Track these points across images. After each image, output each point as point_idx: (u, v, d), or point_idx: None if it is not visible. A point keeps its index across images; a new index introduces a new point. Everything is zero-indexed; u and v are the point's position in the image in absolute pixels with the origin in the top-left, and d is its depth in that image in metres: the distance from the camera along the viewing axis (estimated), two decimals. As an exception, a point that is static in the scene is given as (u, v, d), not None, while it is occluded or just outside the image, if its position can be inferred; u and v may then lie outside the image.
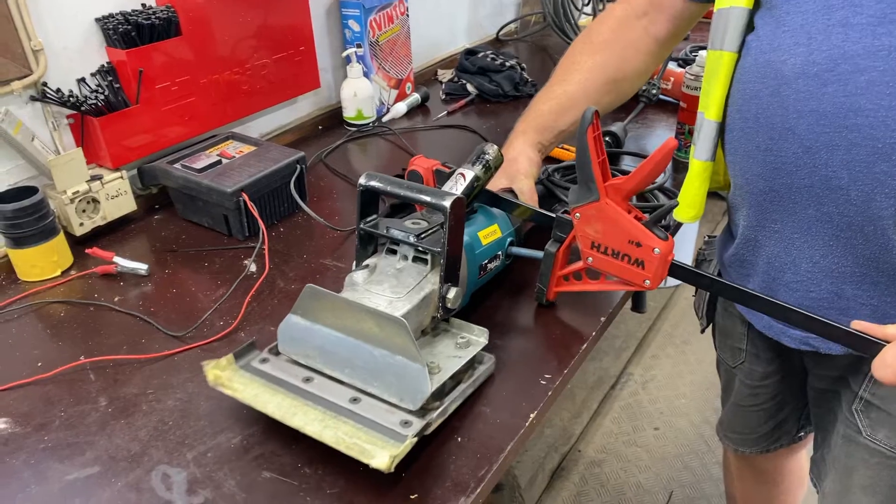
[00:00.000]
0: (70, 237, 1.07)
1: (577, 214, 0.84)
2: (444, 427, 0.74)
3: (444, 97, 1.68)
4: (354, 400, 0.72)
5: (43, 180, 1.06)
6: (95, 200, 1.09)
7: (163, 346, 0.88)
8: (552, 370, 0.82)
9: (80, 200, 1.07)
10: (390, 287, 0.78)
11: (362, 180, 0.80)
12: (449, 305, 0.79)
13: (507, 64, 1.68)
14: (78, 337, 0.90)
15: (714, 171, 0.90)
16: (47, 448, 0.73)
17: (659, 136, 1.44)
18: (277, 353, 0.79)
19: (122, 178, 1.11)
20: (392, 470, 0.62)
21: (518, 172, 1.01)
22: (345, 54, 1.45)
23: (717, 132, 0.86)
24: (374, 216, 0.83)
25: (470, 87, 1.67)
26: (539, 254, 0.90)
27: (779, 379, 1.04)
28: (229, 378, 0.74)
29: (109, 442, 0.74)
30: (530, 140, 1.05)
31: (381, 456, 0.63)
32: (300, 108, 1.49)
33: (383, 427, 0.68)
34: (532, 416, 0.75)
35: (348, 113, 1.49)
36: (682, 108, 1.30)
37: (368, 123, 1.51)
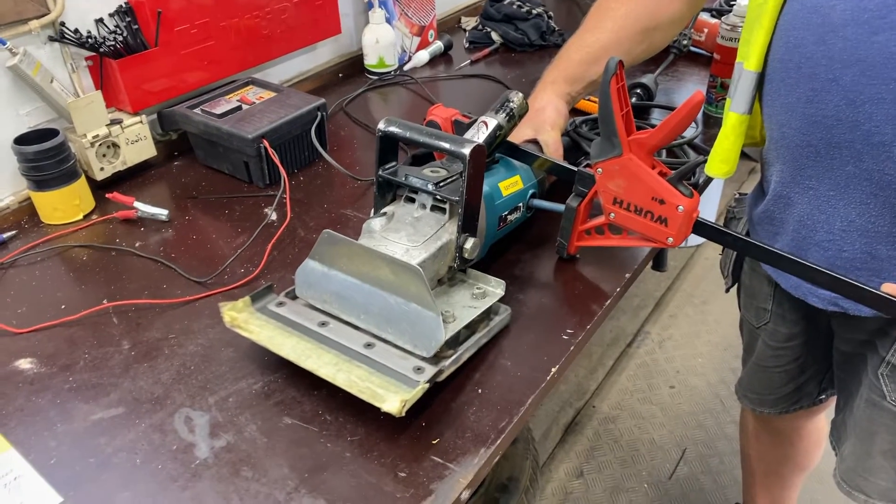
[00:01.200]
0: (91, 182, 1.06)
1: (600, 169, 0.82)
2: (465, 379, 0.74)
3: (467, 45, 1.64)
4: (368, 345, 0.72)
5: (63, 123, 1.05)
6: (115, 145, 1.08)
7: (184, 292, 0.88)
8: (574, 325, 0.81)
9: (100, 145, 1.06)
10: (407, 235, 0.77)
11: (381, 126, 0.78)
12: (466, 256, 0.78)
13: (534, 12, 1.62)
14: (101, 281, 0.91)
15: (749, 126, 0.86)
16: (72, 388, 0.74)
17: (689, 89, 1.39)
18: (295, 298, 0.79)
19: (141, 122, 1.10)
20: (402, 414, 0.62)
21: (544, 123, 0.98)
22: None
23: (756, 83, 0.82)
24: (394, 163, 0.82)
25: (494, 36, 1.62)
26: (560, 207, 0.89)
27: (803, 341, 1.03)
28: (245, 320, 0.75)
29: (133, 384, 0.75)
30: (559, 90, 1.02)
31: (392, 400, 0.63)
32: (320, 56, 1.46)
33: (396, 372, 0.68)
34: (553, 370, 0.75)
35: (370, 60, 1.46)
36: (715, 61, 1.25)
37: (390, 72, 1.47)
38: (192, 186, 1.11)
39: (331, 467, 0.65)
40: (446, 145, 0.74)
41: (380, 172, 0.81)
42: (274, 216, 1.02)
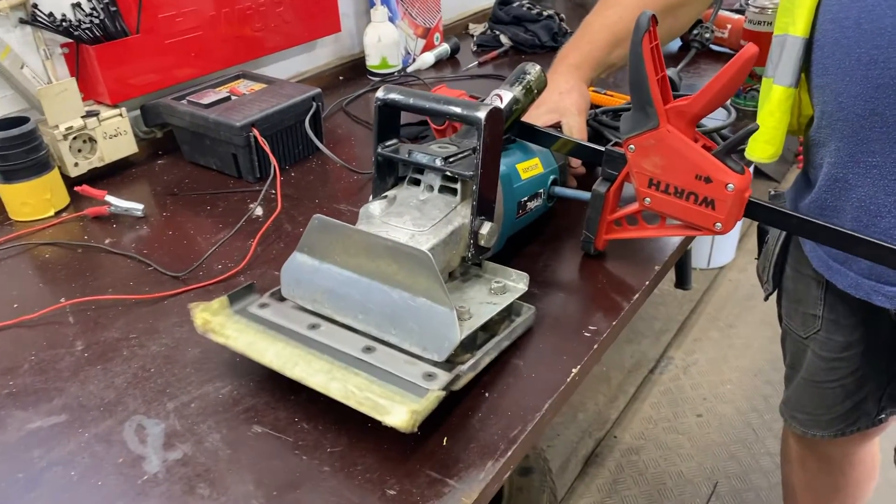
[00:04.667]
0: (66, 180, 0.97)
1: (632, 146, 0.71)
2: (470, 381, 0.62)
3: (475, 49, 1.56)
4: (368, 349, 0.61)
5: (36, 115, 0.97)
6: (92, 139, 1.00)
7: (153, 289, 0.77)
8: (598, 322, 0.69)
9: (74, 138, 0.97)
10: (412, 219, 0.66)
11: (380, 93, 0.68)
12: (482, 243, 0.67)
13: (545, 13, 1.54)
14: (61, 279, 0.81)
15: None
16: (11, 394, 0.64)
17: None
18: (282, 300, 0.68)
19: (121, 116, 1.01)
20: (414, 429, 0.51)
21: (570, 107, 0.89)
22: (368, -5, 1.34)
23: (803, 51, 0.72)
24: (395, 140, 0.71)
25: (504, 39, 1.54)
26: (586, 195, 0.78)
27: (861, 350, 0.90)
28: (221, 324, 0.63)
29: (81, 389, 0.64)
30: (584, 75, 0.93)
31: (399, 412, 0.52)
32: (319, 56, 1.38)
33: (402, 380, 0.57)
34: (574, 370, 0.63)
35: (371, 61, 1.38)
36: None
37: (393, 73, 1.39)
38: (174, 184, 1.02)
39: (305, 483, 0.53)
40: (457, 109, 0.64)
41: (379, 150, 0.70)
42: (260, 211, 0.92)
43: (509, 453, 0.55)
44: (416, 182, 0.70)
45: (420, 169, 0.70)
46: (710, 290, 2.40)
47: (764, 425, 1.86)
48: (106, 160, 1.02)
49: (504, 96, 0.75)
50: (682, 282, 1.96)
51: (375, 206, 0.68)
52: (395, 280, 0.61)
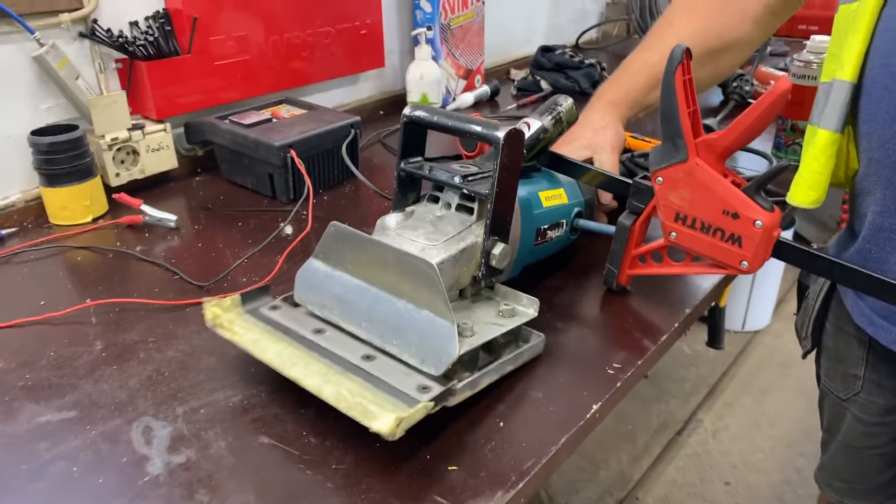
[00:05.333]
0: (107, 189, 1.00)
1: (660, 179, 0.70)
2: (486, 409, 0.60)
3: (514, 93, 1.58)
4: (368, 357, 0.60)
5: (85, 125, 1.00)
6: (136, 152, 1.02)
7: (177, 297, 0.78)
8: (622, 360, 0.67)
9: (118, 149, 1.00)
10: (425, 233, 0.66)
11: (406, 110, 0.69)
12: (493, 264, 0.66)
13: (587, 62, 1.56)
14: (89, 281, 0.82)
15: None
16: (26, 386, 0.64)
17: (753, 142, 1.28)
18: (294, 305, 0.68)
19: (165, 131, 1.04)
20: (396, 436, 0.49)
21: (605, 143, 0.88)
22: (414, 33, 1.37)
23: (850, 96, 0.71)
24: (419, 158, 0.72)
25: (544, 84, 1.56)
26: (611, 228, 0.76)
27: (904, 415, 0.85)
28: (230, 320, 0.64)
29: (95, 387, 0.64)
30: (620, 114, 0.93)
31: (385, 418, 0.50)
32: (361, 90, 1.41)
33: (396, 390, 0.56)
34: (595, 407, 0.60)
35: (412, 97, 1.40)
36: (787, 102, 1.14)
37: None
38: (209, 200, 1.04)
39: (306, 498, 0.52)
40: (478, 128, 0.64)
41: (402, 166, 0.71)
42: (290, 230, 0.93)
43: (520, 485, 0.52)
44: (435, 200, 0.70)
45: (440, 187, 0.70)
46: (743, 353, 2.32)
47: (797, 500, 1.76)
48: (147, 172, 1.04)
49: (532, 124, 0.75)
50: (715, 340, 1.91)
51: (392, 219, 0.68)
52: (401, 290, 0.60)
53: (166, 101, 1.04)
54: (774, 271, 2.28)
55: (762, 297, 2.32)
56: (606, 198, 0.90)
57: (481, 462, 0.55)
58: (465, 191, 0.67)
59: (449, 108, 1.46)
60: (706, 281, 0.81)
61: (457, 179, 0.67)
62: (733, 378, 2.21)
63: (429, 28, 1.39)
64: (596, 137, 0.89)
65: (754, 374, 2.23)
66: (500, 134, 0.62)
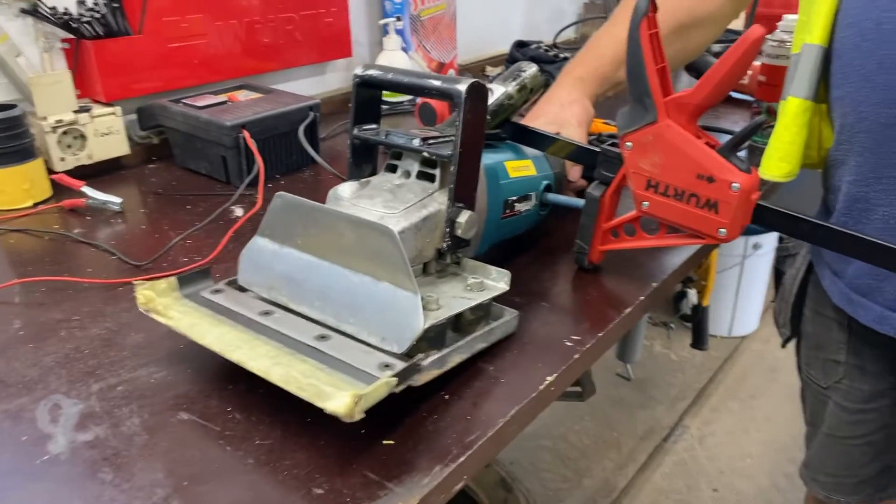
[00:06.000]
0: (53, 176, 0.95)
1: (629, 144, 0.66)
2: (428, 382, 0.55)
3: (489, 87, 1.54)
4: (322, 338, 0.54)
5: (28, 108, 0.95)
6: (83, 136, 0.98)
7: (111, 276, 0.73)
8: (583, 332, 0.62)
9: (63, 132, 0.95)
10: (383, 202, 0.60)
11: (358, 70, 0.64)
12: (459, 233, 0.61)
13: (562, 56, 1.53)
14: (18, 262, 0.77)
15: (805, 144, 0.70)
16: (-73, 365, 0.58)
17: (726, 135, 1.25)
18: (240, 289, 0.63)
19: (115, 115, 0.99)
20: (354, 417, 0.43)
21: (571, 118, 0.84)
22: (382, 22, 1.33)
23: (821, 60, 0.67)
24: (374, 126, 0.67)
25: (519, 78, 1.52)
26: (580, 202, 0.72)
27: (892, 401, 0.80)
28: (166, 305, 0.58)
29: (6, 365, 0.58)
30: (588, 90, 0.89)
31: (341, 397, 0.44)
32: (329, 81, 1.38)
33: (354, 369, 0.50)
34: (549, 379, 0.55)
35: (382, 89, 1.36)
36: (760, 84, 1.11)
37: (404, 101, 1.37)
38: (160, 185, 0.99)
39: (222, 476, 0.46)
40: (437, 83, 0.60)
41: (355, 133, 0.66)
42: (240, 211, 0.88)
43: (461, 459, 0.47)
44: (393, 169, 0.65)
45: (397, 155, 0.65)
46: (730, 359, 2.27)
47: (786, 505, 1.71)
48: (95, 158, 0.99)
49: (495, 90, 0.71)
50: (699, 341, 1.85)
51: (345, 188, 0.63)
52: (357, 263, 0.55)
53: (115, 82, 1.00)
54: (761, 274, 2.24)
55: (749, 301, 2.28)
56: (575, 174, 0.85)
57: (421, 435, 0.50)
58: (426, 154, 0.62)
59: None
60: (679, 255, 0.76)
61: (416, 142, 0.62)
62: (720, 384, 2.16)
63: (398, 18, 1.36)
64: (563, 112, 0.85)
65: (742, 379, 2.18)
66: (462, 87, 0.57)
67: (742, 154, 0.62)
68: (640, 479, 1.80)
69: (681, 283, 2.03)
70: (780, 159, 0.71)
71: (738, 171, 0.61)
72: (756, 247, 2.15)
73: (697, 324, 1.66)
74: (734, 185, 0.60)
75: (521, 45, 1.60)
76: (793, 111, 0.70)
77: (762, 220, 0.63)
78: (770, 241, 2.18)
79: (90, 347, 0.61)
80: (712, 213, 0.62)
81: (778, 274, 0.99)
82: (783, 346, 0.98)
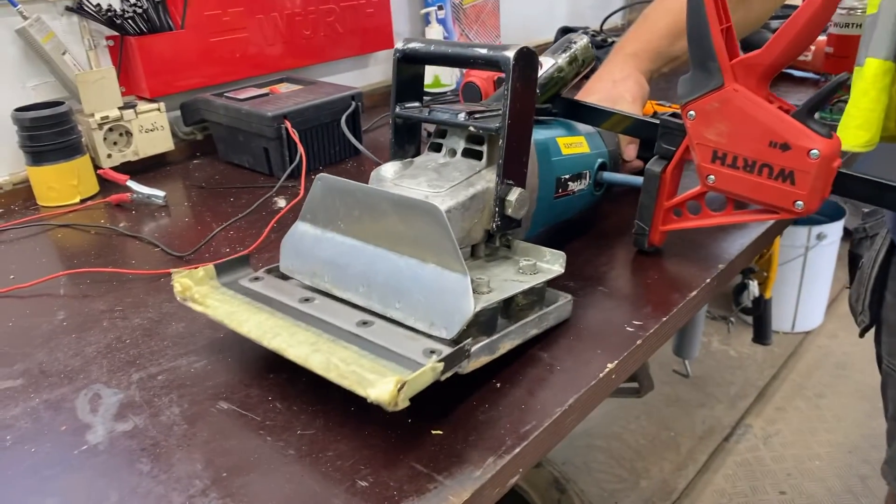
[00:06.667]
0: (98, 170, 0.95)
1: (692, 113, 0.61)
2: (479, 369, 0.51)
3: (535, 75, 1.50)
4: (364, 324, 0.51)
5: (75, 104, 0.96)
6: (129, 132, 0.98)
7: (153, 268, 0.71)
8: (645, 317, 0.57)
9: (110, 129, 0.95)
10: (428, 181, 0.57)
11: (399, 45, 0.61)
12: (510, 212, 0.57)
13: (609, 40, 1.47)
14: (65, 256, 0.77)
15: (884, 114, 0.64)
16: (-26, 355, 0.58)
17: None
18: (282, 277, 0.60)
19: (159, 111, 0.99)
20: (398, 406, 0.40)
21: (625, 93, 0.80)
22: (423, 12, 1.31)
23: None
24: (417, 104, 0.64)
25: (565, 65, 1.47)
26: (638, 180, 0.67)
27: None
28: (203, 293, 0.56)
29: (48, 356, 0.57)
30: (642, 65, 0.84)
31: (384, 384, 0.41)
32: (371, 74, 1.36)
33: (399, 356, 0.47)
34: (610, 366, 0.51)
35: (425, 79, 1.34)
36: (828, 55, 1.03)
37: (446, 92, 1.34)
38: (204, 179, 0.98)
39: (262, 467, 0.44)
40: (483, 51, 0.56)
41: (398, 111, 0.63)
42: (283, 203, 0.87)
43: (516, 450, 0.43)
44: (438, 148, 0.62)
45: (442, 133, 0.62)
46: (794, 355, 2.16)
47: (862, 510, 1.60)
48: (140, 154, 0.99)
49: (545, 62, 0.67)
50: (762, 336, 1.77)
51: (388, 168, 0.61)
52: (402, 245, 0.52)
53: (159, 78, 1.00)
54: (826, 266, 2.13)
55: (813, 295, 2.17)
56: (630, 152, 0.81)
57: (472, 426, 0.46)
58: (472, 129, 0.58)
59: (463, 90, 1.39)
60: (746, 235, 0.71)
61: (461, 117, 0.59)
62: (784, 381, 2.06)
63: (440, 7, 1.33)
64: (615, 88, 0.81)
65: (807, 376, 2.07)
66: (510, 53, 0.54)
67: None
68: (701, 480, 1.73)
69: (741, 275, 1.93)
70: (857, 127, 0.65)
71: (818, 136, 0.55)
72: (820, 237, 2.04)
73: (760, 317, 1.58)
74: (813, 151, 0.55)
75: (566, 31, 1.55)
76: (872, 73, 0.63)
77: (846, 189, 0.57)
78: (835, 230, 2.06)
79: (131, 337, 0.59)
80: (788, 185, 0.57)
81: (853, 258, 0.91)
82: (861, 335, 0.90)
